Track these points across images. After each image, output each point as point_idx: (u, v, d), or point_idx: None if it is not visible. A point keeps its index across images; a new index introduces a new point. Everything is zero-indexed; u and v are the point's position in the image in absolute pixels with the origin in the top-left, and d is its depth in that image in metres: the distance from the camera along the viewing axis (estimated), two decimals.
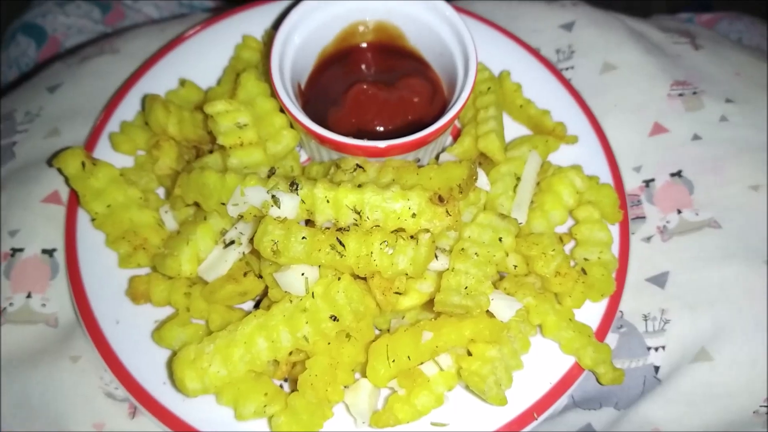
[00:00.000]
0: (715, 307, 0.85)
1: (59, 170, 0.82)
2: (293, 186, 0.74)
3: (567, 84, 0.99)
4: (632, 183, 0.97)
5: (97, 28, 1.26)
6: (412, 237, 0.73)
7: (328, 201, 0.74)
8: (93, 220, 0.82)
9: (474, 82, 0.85)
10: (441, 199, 0.75)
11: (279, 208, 0.73)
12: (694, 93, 1.02)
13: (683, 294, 0.86)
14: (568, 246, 0.86)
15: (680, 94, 1.02)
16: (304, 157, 0.97)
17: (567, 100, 0.98)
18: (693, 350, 0.83)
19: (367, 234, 0.73)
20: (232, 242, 0.79)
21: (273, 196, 0.74)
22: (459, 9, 1.04)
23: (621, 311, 0.86)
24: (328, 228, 0.74)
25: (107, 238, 0.82)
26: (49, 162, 0.87)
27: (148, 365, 0.76)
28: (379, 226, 0.74)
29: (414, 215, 0.73)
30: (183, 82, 0.96)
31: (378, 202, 0.73)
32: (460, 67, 0.90)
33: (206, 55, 0.99)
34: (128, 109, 0.92)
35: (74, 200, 0.83)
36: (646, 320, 0.87)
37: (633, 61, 1.05)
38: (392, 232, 0.74)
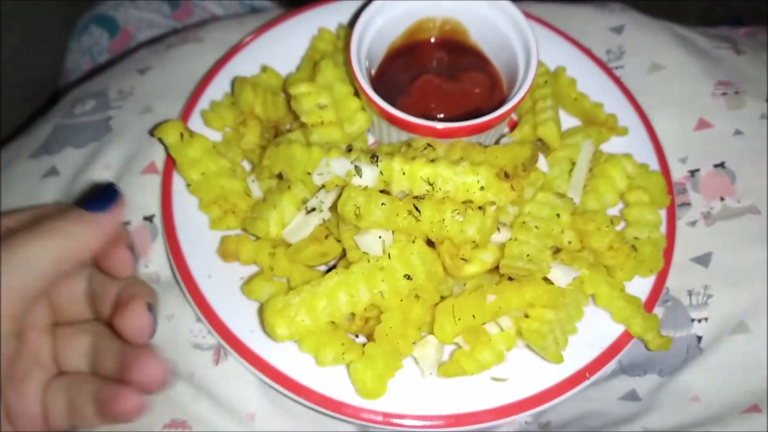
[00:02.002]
0: (754, 284, 0.92)
1: (160, 140, 0.91)
2: (374, 158, 0.83)
3: (617, 80, 1.07)
4: (678, 173, 1.04)
5: (167, 22, 1.36)
6: (480, 208, 0.81)
7: (404, 173, 0.82)
8: (188, 186, 0.91)
9: (535, 75, 0.93)
10: (507, 175, 0.82)
11: (361, 177, 0.82)
12: (737, 93, 1.09)
13: (725, 272, 0.93)
14: (619, 228, 0.93)
15: (723, 93, 1.09)
16: (371, 140, 1.05)
17: (617, 96, 1.05)
18: (733, 323, 0.90)
19: (440, 203, 0.81)
20: (314, 209, 0.88)
21: (356, 167, 0.82)
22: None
23: (667, 287, 0.93)
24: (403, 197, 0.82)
25: (200, 203, 0.91)
26: (151, 132, 0.96)
27: (237, 315, 0.84)
28: (449, 197, 0.82)
29: (482, 188, 0.81)
30: (264, 69, 1.05)
31: (450, 175, 0.81)
32: (521, 61, 0.98)
33: (285, 45, 1.08)
34: (216, 90, 1.01)
35: (170, 168, 0.93)
36: (690, 295, 0.94)
37: (679, 61, 1.12)
38: (462, 203, 0.82)
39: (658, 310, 0.93)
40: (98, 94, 1.05)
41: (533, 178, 0.90)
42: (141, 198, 0.96)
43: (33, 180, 0.97)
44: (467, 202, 0.82)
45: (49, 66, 1.47)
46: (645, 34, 1.16)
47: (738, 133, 1.05)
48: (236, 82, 0.98)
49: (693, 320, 0.92)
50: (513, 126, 1.04)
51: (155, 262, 0.93)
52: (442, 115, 1.00)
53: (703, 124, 1.07)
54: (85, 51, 1.36)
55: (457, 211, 0.80)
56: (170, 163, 0.93)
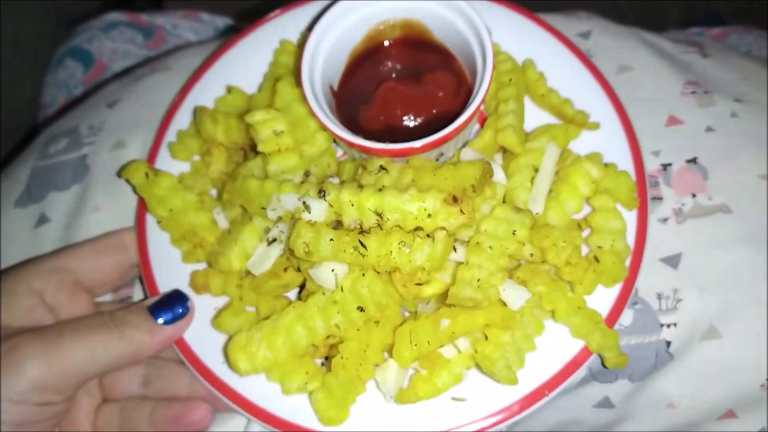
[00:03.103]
0: (723, 288, 0.89)
1: (127, 180, 0.95)
2: (321, 193, 0.83)
3: (592, 67, 1.01)
4: (651, 165, 1.01)
5: (141, 52, 1.38)
6: (428, 236, 0.81)
7: (352, 205, 0.83)
8: (159, 222, 0.95)
9: (490, 80, 0.89)
10: (455, 199, 0.82)
11: (309, 213, 0.83)
12: (706, 92, 1.05)
13: (695, 275, 0.91)
14: (585, 233, 0.91)
15: (693, 92, 1.06)
16: (341, 151, 1.05)
17: (591, 84, 0.99)
18: (703, 328, 0.88)
19: (387, 235, 0.81)
20: (275, 240, 0.90)
21: (304, 203, 0.83)
22: None
23: (636, 288, 0.91)
24: (354, 229, 0.83)
25: (171, 238, 0.95)
26: (118, 174, 1.00)
27: (210, 347, 0.90)
28: (399, 226, 0.82)
29: (429, 216, 0.81)
30: (229, 89, 1.06)
31: (396, 205, 0.81)
32: (479, 61, 0.94)
33: (250, 61, 1.08)
34: (183, 118, 1.04)
35: (143, 206, 0.97)
36: (659, 299, 0.92)
37: (647, 63, 1.09)
38: (412, 231, 0.82)
39: (628, 313, 0.92)
40: (70, 132, 1.10)
41: (490, 193, 0.89)
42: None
43: (26, 231, 1.04)
44: (418, 229, 0.82)
45: (27, 101, 1.52)
46: (612, 39, 1.13)
47: (709, 129, 1.01)
48: (196, 113, 1.00)
49: (662, 325, 0.90)
50: (483, 121, 1.01)
51: (137, 296, 0.99)
52: (409, 123, 0.99)
53: (673, 121, 1.03)
54: (60, 85, 1.40)
55: (404, 243, 0.80)
56: (142, 201, 0.97)
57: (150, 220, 0.97)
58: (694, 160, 0.98)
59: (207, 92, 1.05)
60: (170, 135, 1.03)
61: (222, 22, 1.52)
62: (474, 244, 0.84)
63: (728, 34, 1.39)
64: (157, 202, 0.94)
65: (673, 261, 0.92)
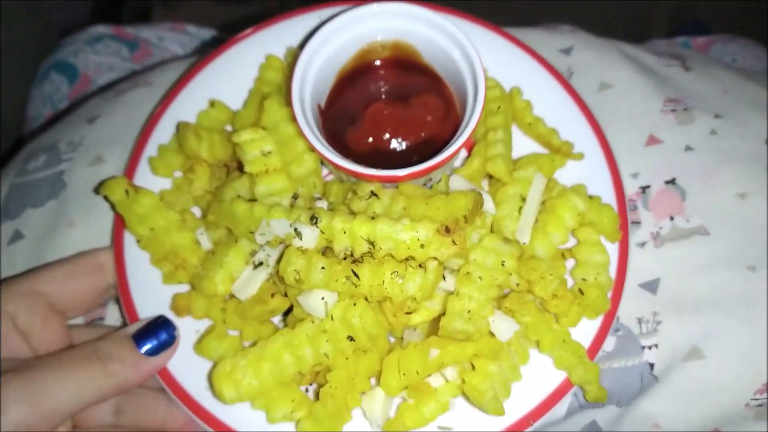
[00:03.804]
0: (702, 310, 0.92)
1: (105, 198, 0.91)
2: (313, 219, 0.82)
3: (577, 97, 1.03)
4: (629, 188, 1.03)
5: (126, 65, 1.34)
6: (420, 266, 0.81)
7: (344, 232, 0.82)
8: (138, 242, 0.92)
9: (481, 111, 0.90)
10: (447, 229, 0.82)
11: (301, 240, 0.82)
12: (685, 109, 1.07)
13: (673, 298, 0.94)
14: (571, 262, 0.93)
15: (672, 110, 1.08)
16: (326, 171, 1.04)
17: (576, 115, 1.02)
18: (685, 349, 0.91)
19: (380, 264, 0.81)
20: (261, 263, 0.89)
21: (295, 229, 0.82)
22: (470, 17, 1.07)
23: (617, 315, 0.94)
24: (345, 258, 0.82)
25: (151, 258, 0.92)
26: (96, 191, 0.96)
27: (192, 373, 0.87)
28: (391, 254, 0.82)
29: (422, 246, 0.81)
30: (212, 103, 1.03)
31: (389, 234, 0.81)
32: (470, 90, 0.94)
33: (233, 74, 1.05)
34: (164, 132, 1.00)
35: (120, 225, 0.93)
36: (640, 323, 0.95)
37: (627, 80, 1.10)
38: (403, 260, 0.82)
39: (610, 340, 0.94)
40: (49, 148, 1.06)
41: (480, 222, 0.89)
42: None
43: None
44: (409, 259, 0.82)
45: (13, 114, 1.46)
46: (593, 55, 1.14)
47: (688, 148, 1.03)
48: (179, 128, 0.97)
49: (644, 347, 0.93)
50: (471, 147, 1.02)
51: (110, 318, 0.96)
52: (397, 146, 0.98)
53: (653, 140, 1.05)
54: (46, 99, 1.35)
55: (396, 273, 0.80)
56: (119, 219, 0.93)
57: (128, 239, 0.93)
58: (672, 181, 1.01)
59: (188, 105, 1.02)
60: (150, 149, 0.99)
61: (208, 34, 1.49)
62: (464, 274, 0.85)
63: (713, 43, 1.42)
64: (137, 220, 0.91)
65: (651, 286, 0.95)
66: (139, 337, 0.81)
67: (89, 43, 1.35)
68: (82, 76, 1.33)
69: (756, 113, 1.05)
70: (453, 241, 0.81)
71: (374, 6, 0.97)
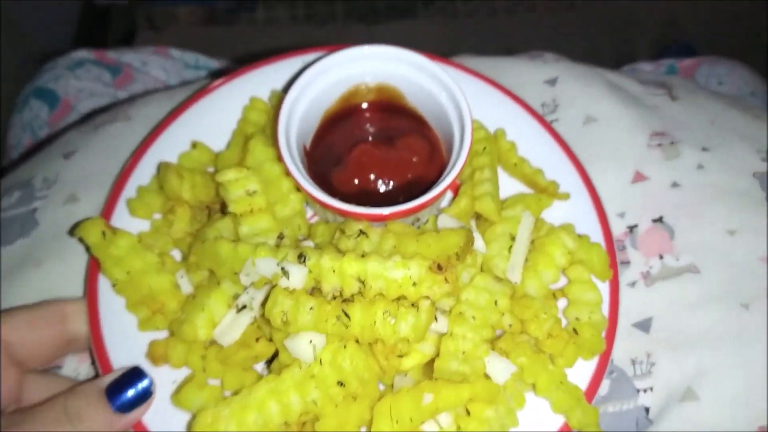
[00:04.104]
0: (696, 350, 0.91)
1: (80, 240, 0.87)
2: (301, 258, 0.79)
3: (560, 140, 1.04)
4: (617, 229, 1.02)
5: (108, 90, 1.32)
6: (413, 305, 0.79)
7: (334, 271, 0.79)
8: (114, 286, 0.87)
9: (468, 152, 0.90)
10: (440, 267, 0.80)
11: (288, 279, 0.79)
12: (672, 143, 1.08)
13: (666, 338, 0.93)
14: (562, 301, 0.91)
15: (659, 144, 1.08)
16: (310, 212, 1.02)
17: (560, 157, 1.02)
18: (680, 390, 0.89)
19: (371, 304, 0.78)
20: (245, 307, 0.85)
21: (283, 269, 0.79)
22: (452, 64, 1.09)
23: (611, 357, 0.92)
24: (335, 298, 0.79)
25: (127, 303, 0.87)
26: (71, 232, 0.92)
27: (170, 426, 0.81)
28: (382, 294, 0.79)
29: (414, 284, 0.79)
30: (194, 145, 1.01)
31: (380, 272, 0.78)
32: (456, 132, 0.95)
33: (216, 117, 1.04)
34: (143, 173, 0.97)
35: (95, 267, 0.89)
36: (633, 364, 0.93)
37: (613, 113, 1.11)
38: (395, 299, 0.79)
39: (604, 383, 0.92)
40: (24, 184, 1.01)
41: (471, 261, 0.88)
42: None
43: None
44: (401, 298, 0.80)
45: None
46: (578, 86, 1.14)
47: (675, 185, 1.04)
48: (161, 168, 0.94)
49: (638, 390, 0.91)
50: (456, 189, 1.01)
51: (67, 367, 0.90)
52: (382, 188, 0.97)
53: (639, 177, 1.06)
54: (26, 126, 1.32)
55: (389, 312, 0.77)
56: (94, 262, 0.89)
57: (103, 283, 0.89)
58: (660, 219, 1.01)
59: (169, 147, 1.00)
60: (129, 190, 0.96)
61: (192, 58, 1.47)
62: (456, 314, 0.82)
63: (699, 65, 1.44)
64: (113, 263, 0.87)
65: (644, 325, 0.94)
66: (112, 391, 0.75)
67: (70, 68, 1.33)
68: (62, 102, 1.29)
69: (743, 144, 1.06)
70: (446, 279, 0.79)
71: (360, 49, 0.98)
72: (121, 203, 0.95)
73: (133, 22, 2.78)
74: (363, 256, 0.80)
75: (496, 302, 0.83)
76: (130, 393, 0.76)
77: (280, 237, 0.89)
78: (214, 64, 1.49)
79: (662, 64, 1.49)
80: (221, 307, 0.84)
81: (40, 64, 1.37)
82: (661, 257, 0.98)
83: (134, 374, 0.79)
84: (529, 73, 1.12)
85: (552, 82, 1.15)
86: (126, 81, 1.35)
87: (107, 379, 0.78)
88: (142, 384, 0.78)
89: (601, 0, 2.50)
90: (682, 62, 1.50)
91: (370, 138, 1.02)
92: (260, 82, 1.07)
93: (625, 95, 1.14)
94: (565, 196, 0.98)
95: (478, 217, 0.97)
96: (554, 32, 2.37)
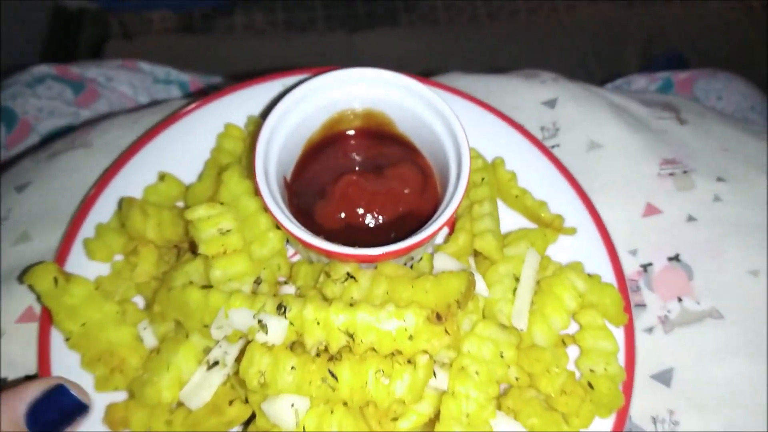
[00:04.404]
0: (722, 407, 0.82)
1: (30, 287, 0.76)
2: (281, 309, 0.70)
3: (564, 169, 0.96)
4: (629, 267, 0.94)
5: (70, 109, 1.21)
6: (409, 361, 0.69)
7: (318, 323, 0.69)
8: (67, 339, 0.77)
9: (467, 184, 0.81)
10: (439, 317, 0.71)
11: (266, 334, 0.69)
12: (684, 172, 1.00)
13: (690, 393, 0.84)
14: (571, 348, 0.82)
15: (670, 174, 1.00)
16: (291, 250, 0.92)
17: (563, 188, 0.94)
18: None
19: (361, 361, 0.68)
20: (217, 363, 0.74)
21: (260, 321, 0.69)
22: (443, 87, 1.01)
23: (629, 414, 0.83)
24: (319, 354, 0.69)
25: (82, 359, 0.77)
26: (20, 278, 0.81)
27: None
28: (374, 349, 0.70)
29: (411, 338, 0.69)
30: (162, 176, 0.91)
31: (371, 324, 0.69)
32: (452, 161, 0.86)
33: (187, 145, 0.95)
34: (103, 209, 0.87)
35: (47, 318, 0.78)
36: (655, 422, 0.83)
37: (619, 138, 1.02)
38: (388, 355, 0.70)
39: None
40: None
41: (473, 307, 0.79)
42: (19, 353, 0.81)
43: None
44: (395, 353, 0.70)
45: None
46: (579, 108, 1.06)
47: (691, 219, 0.96)
48: (123, 204, 0.84)
49: None
50: (453, 223, 0.93)
51: None
52: (371, 223, 0.88)
53: (651, 210, 0.97)
54: None
55: (382, 372, 0.67)
56: (46, 313, 0.78)
57: (56, 337, 0.78)
58: (676, 258, 0.93)
59: (134, 179, 0.90)
60: (87, 229, 0.86)
61: (163, 71, 1.37)
62: (458, 368, 0.73)
63: (696, 78, 1.37)
64: (66, 314, 0.76)
65: (664, 377, 0.85)
66: (34, 414, 0.61)
67: (30, 85, 1.21)
68: (21, 122, 1.18)
69: (758, 173, 0.99)
70: (446, 331, 0.70)
71: (346, 72, 0.89)
72: (77, 243, 0.84)
73: (105, 29, 2.66)
74: (351, 304, 0.71)
75: (501, 354, 0.74)
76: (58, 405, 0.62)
77: (258, 282, 0.79)
78: (186, 78, 1.39)
79: (658, 77, 1.42)
80: (189, 364, 0.74)
81: (4, 76, 1.26)
82: (679, 300, 0.90)
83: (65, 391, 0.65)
84: (525, 94, 1.04)
85: (551, 103, 1.07)
86: (90, 98, 1.24)
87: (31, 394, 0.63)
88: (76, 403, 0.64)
89: (585, 2, 2.45)
90: (678, 75, 1.43)
91: (357, 168, 0.93)
92: (236, 106, 0.98)
93: (630, 118, 1.07)
94: (572, 231, 0.90)
95: (476, 253, 0.88)
96: (537, 37, 2.32)
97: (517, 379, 0.77)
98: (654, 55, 2.10)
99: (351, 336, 0.69)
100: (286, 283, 0.84)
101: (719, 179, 0.99)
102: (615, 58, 2.17)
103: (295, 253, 0.93)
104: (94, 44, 2.65)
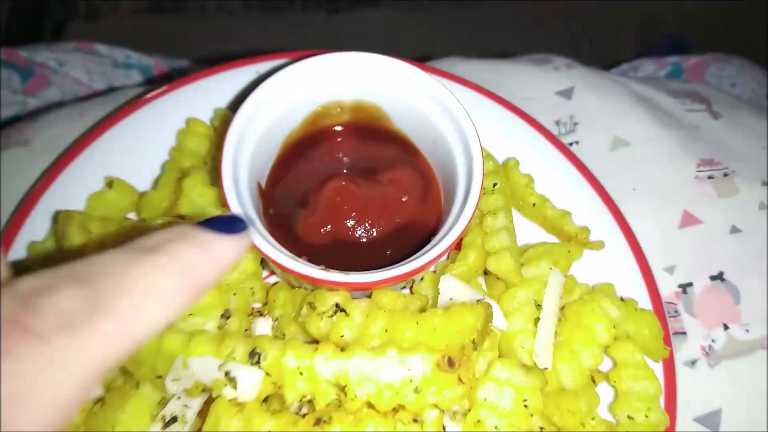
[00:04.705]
0: None
1: None
2: (254, 357, 0.55)
3: (587, 172, 0.82)
4: (666, 288, 0.81)
5: (17, 98, 1.04)
6: (415, 420, 0.56)
7: (301, 373, 0.55)
8: None
9: (479, 197, 0.67)
10: (451, 362, 0.57)
11: (235, 388, 0.55)
12: (725, 175, 0.87)
13: None
14: (602, 388, 0.69)
15: (709, 176, 0.87)
16: (266, 273, 0.78)
17: (587, 194, 0.81)
18: None
19: (356, 422, 0.55)
20: (175, 419, 0.60)
21: (227, 373, 0.55)
22: (445, 74, 0.87)
23: None
24: (303, 414, 0.55)
25: None
26: None
27: None
28: (371, 404, 0.56)
29: (417, 390, 0.56)
30: (110, 183, 0.76)
31: (368, 374, 0.55)
32: (459, 165, 0.72)
33: (141, 144, 0.80)
34: (38, 223, 0.72)
35: None
36: None
37: (647, 135, 0.90)
38: (389, 411, 0.56)
39: None
40: None
41: (489, 345, 0.65)
42: None
43: None
44: (398, 409, 0.57)
45: None
46: (600, 99, 0.93)
47: (735, 230, 0.83)
48: (59, 219, 0.69)
49: None
50: (458, 242, 0.79)
51: None
52: (363, 237, 0.74)
53: (689, 219, 0.84)
54: None
55: None
56: None
57: None
58: (720, 277, 0.80)
59: (75, 185, 0.75)
60: (17, 248, 0.70)
61: (122, 54, 1.20)
62: (473, 422, 0.60)
63: (707, 63, 1.25)
64: None
65: (711, 421, 0.73)
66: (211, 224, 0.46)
67: None
68: None
69: None
70: (459, 379, 0.57)
71: (329, 57, 0.75)
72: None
73: (72, 10, 2.47)
74: (342, 348, 0.57)
75: (525, 402, 0.61)
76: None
77: (226, 316, 0.64)
78: (150, 62, 1.22)
79: (667, 62, 1.29)
80: (141, 420, 0.60)
81: None
82: (726, 327, 0.78)
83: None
84: (537, 83, 0.91)
85: (566, 93, 0.94)
86: (39, 85, 1.07)
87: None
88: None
89: None
90: (688, 60, 1.31)
91: (346, 171, 0.79)
92: (201, 97, 0.83)
93: (657, 111, 0.94)
94: (600, 246, 0.77)
95: (486, 271, 0.74)
96: (526, 20, 2.21)
97: (541, 428, 0.64)
98: (654, 39, 2.00)
99: (342, 389, 0.56)
100: (260, 313, 0.70)
101: (764, 183, 0.86)
102: (610, 42, 2.06)
103: (271, 273, 0.78)
104: (58, 29, 2.47)
